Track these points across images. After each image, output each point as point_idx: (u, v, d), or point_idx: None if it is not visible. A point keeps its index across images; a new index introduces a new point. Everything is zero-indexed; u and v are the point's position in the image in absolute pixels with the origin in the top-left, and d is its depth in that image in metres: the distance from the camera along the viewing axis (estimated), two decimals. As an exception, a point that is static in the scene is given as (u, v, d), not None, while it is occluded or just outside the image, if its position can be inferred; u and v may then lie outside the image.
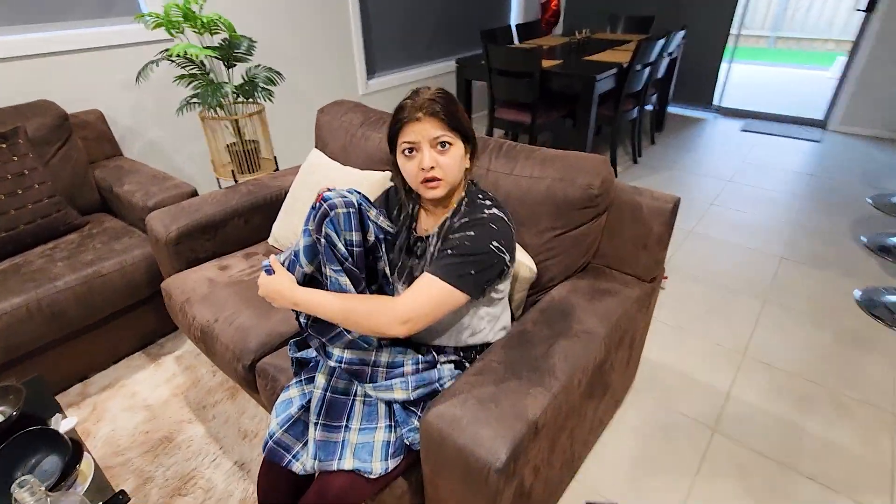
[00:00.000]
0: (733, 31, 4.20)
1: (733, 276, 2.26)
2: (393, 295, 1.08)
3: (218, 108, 2.09)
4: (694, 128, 4.21)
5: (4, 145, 1.67)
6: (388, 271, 1.05)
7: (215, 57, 2.05)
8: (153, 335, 1.90)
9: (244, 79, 2.19)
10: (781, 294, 2.12)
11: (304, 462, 0.97)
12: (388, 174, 1.52)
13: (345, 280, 0.93)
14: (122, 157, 2.17)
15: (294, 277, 0.97)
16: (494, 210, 0.95)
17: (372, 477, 0.93)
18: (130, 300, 1.72)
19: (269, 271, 0.98)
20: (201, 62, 2.07)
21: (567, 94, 3.17)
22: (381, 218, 1.02)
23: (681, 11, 4.32)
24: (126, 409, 1.64)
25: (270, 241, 1.73)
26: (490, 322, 1.06)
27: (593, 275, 1.25)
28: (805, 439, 1.48)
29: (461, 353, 1.06)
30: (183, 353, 1.87)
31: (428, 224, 1.05)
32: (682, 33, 3.44)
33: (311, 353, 1.12)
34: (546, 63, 3.01)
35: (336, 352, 0.96)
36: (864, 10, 3.64)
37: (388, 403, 1.00)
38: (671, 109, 4.63)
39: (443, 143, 0.92)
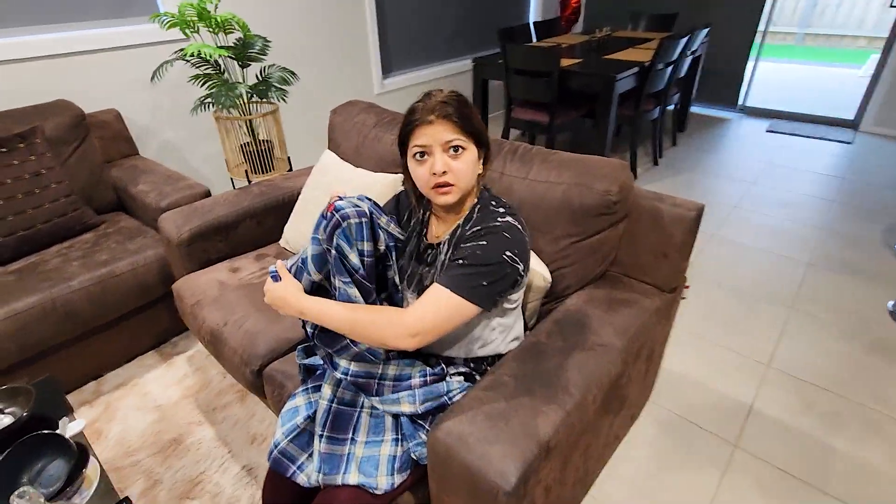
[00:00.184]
0: (760, 27, 4.07)
1: (757, 283, 2.17)
2: (402, 303, 1.05)
3: (232, 108, 2.09)
4: (717, 128, 4.09)
5: (22, 145, 1.69)
6: (397, 280, 1.02)
7: (229, 56, 2.04)
8: (166, 334, 1.91)
9: (258, 78, 2.19)
10: (808, 303, 2.04)
11: (308, 474, 0.95)
12: (401, 177, 1.49)
13: (354, 292, 0.90)
14: (138, 157, 2.18)
15: (301, 285, 0.95)
16: (508, 218, 0.91)
17: (377, 492, 0.90)
18: (143, 300, 1.73)
19: (276, 277, 0.96)
20: (216, 62, 2.06)
21: (586, 94, 3.10)
22: (392, 225, 0.99)
23: (705, 8, 4.20)
24: (138, 409, 1.64)
25: (282, 242, 1.71)
26: (502, 333, 1.02)
27: (610, 284, 1.20)
28: (833, 458, 1.41)
29: (471, 365, 1.03)
30: (194, 353, 1.87)
31: (439, 231, 1.02)
32: (705, 31, 3.34)
33: (318, 360, 1.10)
34: (565, 62, 2.95)
35: (342, 363, 0.93)
36: (899, 6, 3.49)
37: (396, 416, 0.97)
38: (694, 109, 4.51)
39: (455, 148, 0.89)
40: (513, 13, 4.35)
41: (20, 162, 1.67)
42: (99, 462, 1.04)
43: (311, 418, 0.99)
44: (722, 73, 4.34)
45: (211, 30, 2.00)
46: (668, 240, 1.14)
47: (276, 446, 0.98)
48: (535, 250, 1.19)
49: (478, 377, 1.02)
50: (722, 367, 1.73)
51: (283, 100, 2.18)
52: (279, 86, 2.16)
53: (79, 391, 1.71)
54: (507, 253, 0.87)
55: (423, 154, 0.90)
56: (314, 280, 0.96)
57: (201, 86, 2.08)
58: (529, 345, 1.00)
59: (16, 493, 0.73)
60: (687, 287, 2.14)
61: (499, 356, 1.05)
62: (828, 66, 6.56)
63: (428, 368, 0.99)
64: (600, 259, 1.18)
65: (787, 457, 1.41)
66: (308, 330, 0.96)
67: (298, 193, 1.74)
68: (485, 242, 0.87)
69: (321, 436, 0.93)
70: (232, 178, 2.39)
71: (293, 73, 2.21)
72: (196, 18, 1.95)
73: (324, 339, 0.94)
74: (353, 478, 0.90)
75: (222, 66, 2.10)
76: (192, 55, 1.92)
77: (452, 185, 0.90)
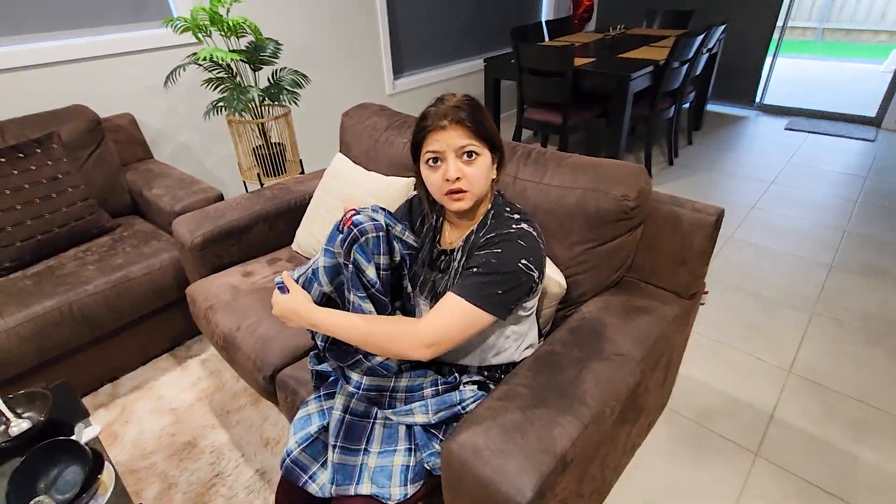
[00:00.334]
0: (779, 23, 3.98)
1: (777, 286, 2.12)
2: (414, 309, 1.04)
3: (244, 112, 2.09)
4: (734, 126, 4.02)
5: (39, 150, 1.71)
6: (409, 288, 1.01)
7: (241, 60, 2.05)
8: (180, 337, 1.92)
9: (270, 81, 2.19)
10: (831, 307, 1.98)
11: (319, 483, 0.94)
12: (413, 181, 1.48)
13: (369, 306, 0.90)
14: (153, 160, 2.20)
15: (310, 296, 0.94)
16: (523, 225, 0.89)
17: (390, 503, 0.89)
18: (158, 303, 1.74)
19: (283, 289, 0.94)
20: (228, 65, 2.07)
21: (600, 94, 3.06)
22: (407, 233, 0.98)
23: (722, 4, 4.12)
24: (153, 412, 1.65)
25: (294, 246, 1.71)
26: (516, 341, 1.01)
27: (627, 290, 1.17)
28: (858, 468, 1.36)
29: (485, 373, 1.01)
30: (208, 356, 1.88)
31: (452, 237, 1.00)
32: (722, 27, 3.27)
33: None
34: (578, 61, 2.91)
35: (354, 377, 0.92)
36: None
37: (409, 426, 0.96)
38: (710, 107, 4.43)
39: (469, 153, 0.87)
40: (525, 12, 4.31)
41: (37, 167, 1.69)
42: (114, 468, 1.04)
43: (325, 428, 0.98)
44: (739, 70, 4.26)
45: (223, 33, 2.00)
46: (687, 245, 1.11)
47: (288, 455, 0.97)
48: (550, 256, 1.16)
49: (492, 385, 1.01)
50: (741, 373, 1.69)
51: (295, 103, 2.18)
52: (291, 89, 2.17)
53: (95, 394, 1.73)
54: (523, 261, 0.85)
55: (436, 160, 0.89)
56: (325, 291, 0.95)
57: (214, 90, 2.09)
58: (544, 354, 0.98)
59: (33, 502, 0.73)
60: (706, 293, 2.09)
61: (513, 364, 1.03)
62: (848, 62, 6.41)
63: (440, 378, 0.98)
64: (617, 265, 1.16)
65: (811, 466, 1.37)
66: (319, 343, 0.95)
67: (310, 197, 1.74)
68: (500, 250, 0.85)
69: (335, 446, 0.92)
70: (244, 182, 2.40)
71: (305, 76, 2.21)
72: (208, 22, 1.96)
73: (335, 353, 0.93)
74: (365, 488, 0.89)
75: (234, 70, 2.11)
76: (204, 59, 1.92)
77: (466, 192, 0.88)
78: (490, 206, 0.96)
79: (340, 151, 1.78)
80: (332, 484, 0.90)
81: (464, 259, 0.93)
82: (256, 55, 2.10)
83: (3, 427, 1.09)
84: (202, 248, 1.56)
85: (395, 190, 1.48)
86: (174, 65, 2.07)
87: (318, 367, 1.11)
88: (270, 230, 1.71)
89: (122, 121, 2.11)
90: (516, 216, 0.93)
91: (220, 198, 1.93)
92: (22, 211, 1.64)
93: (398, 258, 0.96)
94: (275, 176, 2.31)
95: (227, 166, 2.67)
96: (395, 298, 1.02)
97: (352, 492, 0.89)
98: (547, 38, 3.75)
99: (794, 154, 3.45)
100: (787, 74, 5.64)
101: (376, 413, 0.96)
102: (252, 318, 1.37)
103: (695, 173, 3.22)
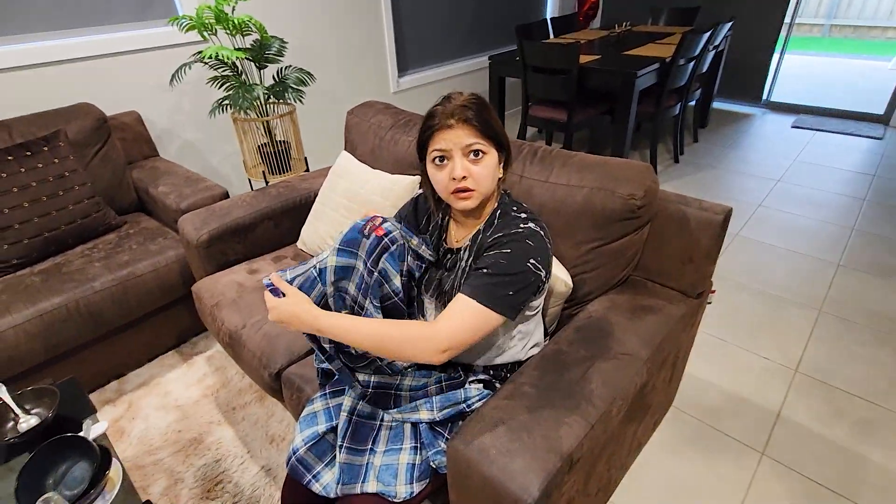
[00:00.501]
0: (786, 20, 3.94)
1: (784, 284, 2.11)
2: (419, 308, 1.04)
3: (249, 110, 2.09)
4: (740, 124, 3.99)
5: (46, 148, 1.72)
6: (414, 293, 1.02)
7: (247, 58, 2.05)
8: (186, 334, 1.93)
9: (275, 80, 2.19)
10: (838, 305, 1.97)
11: (323, 483, 0.94)
12: (418, 179, 1.48)
13: (379, 315, 0.91)
14: (159, 158, 2.21)
15: (309, 299, 0.91)
16: (531, 224, 0.89)
17: (396, 501, 0.89)
18: (164, 300, 1.75)
19: (277, 292, 0.88)
20: (233, 64, 2.07)
21: (605, 91, 3.05)
22: (423, 247, 0.99)
23: (729, 1, 4.08)
24: (159, 408, 1.66)
25: (299, 244, 1.71)
26: (521, 340, 1.01)
27: (634, 289, 1.17)
28: (866, 468, 1.36)
29: (490, 372, 1.01)
30: (214, 353, 1.88)
31: (459, 235, 1.00)
32: (729, 24, 3.25)
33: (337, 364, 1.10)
34: (584, 59, 2.90)
35: (363, 377, 0.92)
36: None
37: (414, 424, 0.96)
38: (716, 105, 4.40)
39: (475, 152, 0.87)
40: (529, 9, 4.29)
41: (45, 165, 1.70)
42: (121, 464, 1.05)
43: (332, 429, 0.98)
44: (746, 68, 4.23)
45: (228, 32, 2.01)
46: (694, 244, 1.11)
47: (294, 452, 0.97)
48: (556, 255, 1.16)
49: (497, 384, 1.01)
50: (748, 372, 1.68)
51: (300, 101, 2.18)
52: (296, 87, 2.17)
53: (102, 390, 1.74)
54: (532, 261, 0.85)
55: (442, 159, 0.88)
56: (325, 292, 0.95)
57: (219, 88, 2.10)
58: (551, 353, 0.98)
59: (41, 498, 0.74)
60: (713, 292, 2.08)
61: (518, 363, 1.03)
62: (856, 59, 6.35)
63: (444, 374, 0.98)
64: (623, 264, 1.15)
65: (817, 465, 1.37)
66: (326, 346, 0.93)
67: (315, 195, 1.74)
68: (509, 250, 0.85)
69: (341, 446, 0.93)
70: (250, 180, 2.41)
71: (310, 74, 2.21)
72: (214, 21, 1.96)
73: (347, 357, 0.93)
74: (371, 486, 0.89)
75: (240, 68, 2.11)
76: (210, 57, 1.93)
77: (472, 190, 0.88)
78: (496, 204, 0.96)
79: (345, 149, 1.78)
80: (338, 483, 0.90)
81: (471, 259, 0.93)
82: (261, 53, 2.10)
83: (12, 423, 1.10)
84: (208, 245, 1.57)
85: (400, 188, 1.48)
86: (180, 63, 2.07)
87: (324, 366, 1.11)
88: (276, 228, 1.72)
89: (128, 119, 2.11)
90: (523, 215, 0.92)
91: (226, 195, 1.93)
92: (29, 208, 1.65)
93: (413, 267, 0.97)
94: (280, 174, 2.31)
95: (232, 164, 2.67)
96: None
97: (358, 490, 0.89)
98: (552, 36, 3.73)
99: (802, 152, 3.42)
100: (795, 71, 5.60)
101: (382, 416, 0.96)
102: (258, 316, 1.37)
103: (700, 171, 3.21)
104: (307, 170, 2.42)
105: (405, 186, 1.48)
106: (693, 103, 3.64)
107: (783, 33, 4.02)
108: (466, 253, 0.94)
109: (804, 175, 3.08)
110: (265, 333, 1.32)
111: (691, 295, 1.16)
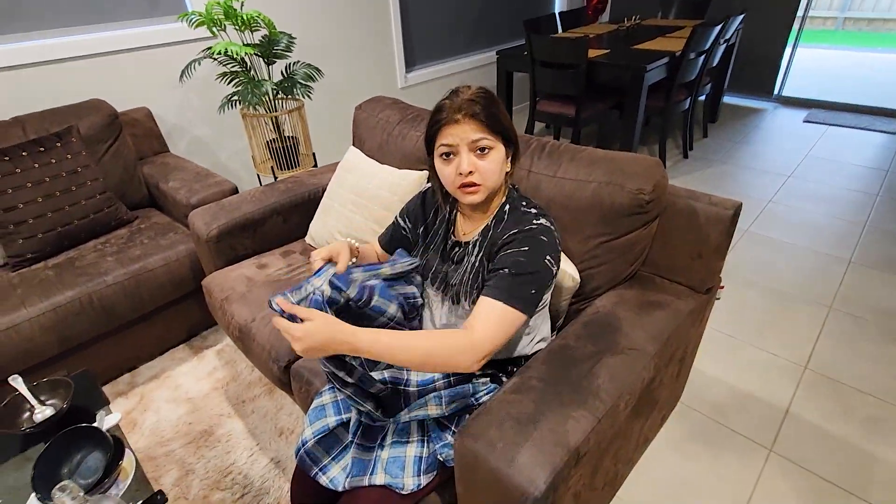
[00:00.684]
0: (799, 12, 3.88)
1: (794, 281, 2.09)
2: (426, 300, 1.05)
3: (258, 106, 2.11)
4: (751, 119, 3.95)
5: (59, 144, 1.74)
6: (419, 291, 1.03)
7: (255, 54, 2.06)
8: (196, 328, 1.95)
9: (284, 75, 2.20)
10: (849, 302, 1.95)
11: (330, 476, 0.95)
12: (426, 173, 1.48)
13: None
14: (169, 154, 2.23)
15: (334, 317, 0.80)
16: (542, 220, 0.90)
17: (403, 493, 0.90)
18: (175, 294, 1.77)
19: (293, 318, 0.77)
20: (242, 59, 2.08)
21: (614, 86, 3.02)
22: (397, 264, 1.01)
23: (740, -7, 4.03)
24: (170, 401, 1.69)
25: (307, 239, 1.73)
26: (528, 334, 1.01)
27: (642, 284, 1.17)
28: (875, 466, 1.35)
29: (496, 366, 1.02)
30: (223, 346, 1.91)
31: (466, 228, 1.01)
32: (741, 17, 3.21)
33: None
34: (592, 53, 2.87)
35: (377, 375, 0.93)
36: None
37: (422, 419, 0.96)
38: (726, 99, 4.35)
39: (482, 148, 0.87)
40: (538, 3, 4.26)
41: (57, 160, 1.72)
42: (134, 455, 1.07)
43: (342, 424, 0.99)
44: (757, 61, 4.17)
45: (237, 28, 2.01)
46: (703, 240, 1.10)
47: (303, 444, 0.98)
48: (564, 250, 1.16)
49: (504, 378, 1.01)
50: (756, 368, 1.67)
51: (309, 96, 2.19)
52: (304, 82, 2.17)
53: (114, 383, 1.77)
54: (548, 258, 0.87)
55: (449, 153, 0.89)
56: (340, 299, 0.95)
57: (228, 83, 2.11)
58: (558, 348, 0.98)
59: (58, 486, 0.76)
60: (722, 287, 2.06)
61: (524, 357, 1.03)
62: (869, 52, 6.24)
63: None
64: (631, 259, 1.15)
65: (826, 463, 1.36)
66: (355, 364, 0.87)
67: (324, 190, 1.75)
68: (527, 248, 0.86)
69: (352, 443, 0.94)
70: (258, 175, 2.42)
71: (318, 70, 2.21)
72: (223, 17, 1.97)
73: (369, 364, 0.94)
74: (379, 478, 0.90)
75: (248, 64, 2.12)
76: (219, 53, 1.94)
77: (479, 185, 0.89)
78: (505, 199, 0.96)
79: (353, 145, 1.79)
80: (347, 476, 0.92)
81: (481, 254, 0.93)
82: (270, 49, 2.11)
83: (28, 413, 1.12)
84: (217, 240, 1.58)
85: (408, 183, 1.49)
86: (189, 59, 2.08)
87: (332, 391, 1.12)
88: (284, 223, 1.73)
89: (138, 115, 2.14)
90: (533, 210, 0.93)
91: (235, 191, 1.95)
92: (43, 203, 1.68)
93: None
94: (288, 169, 2.33)
95: (241, 159, 2.69)
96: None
97: (366, 482, 0.90)
98: (560, 30, 3.71)
99: (814, 147, 3.38)
100: (807, 65, 5.52)
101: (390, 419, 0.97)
102: (267, 310, 1.39)
103: (710, 166, 3.18)
104: (315, 165, 2.43)
105: (413, 181, 1.48)
106: (703, 98, 3.60)
107: (796, 26, 3.96)
108: (476, 248, 0.94)
109: (816, 170, 3.05)
110: (274, 327, 1.33)
111: (700, 290, 1.16)
